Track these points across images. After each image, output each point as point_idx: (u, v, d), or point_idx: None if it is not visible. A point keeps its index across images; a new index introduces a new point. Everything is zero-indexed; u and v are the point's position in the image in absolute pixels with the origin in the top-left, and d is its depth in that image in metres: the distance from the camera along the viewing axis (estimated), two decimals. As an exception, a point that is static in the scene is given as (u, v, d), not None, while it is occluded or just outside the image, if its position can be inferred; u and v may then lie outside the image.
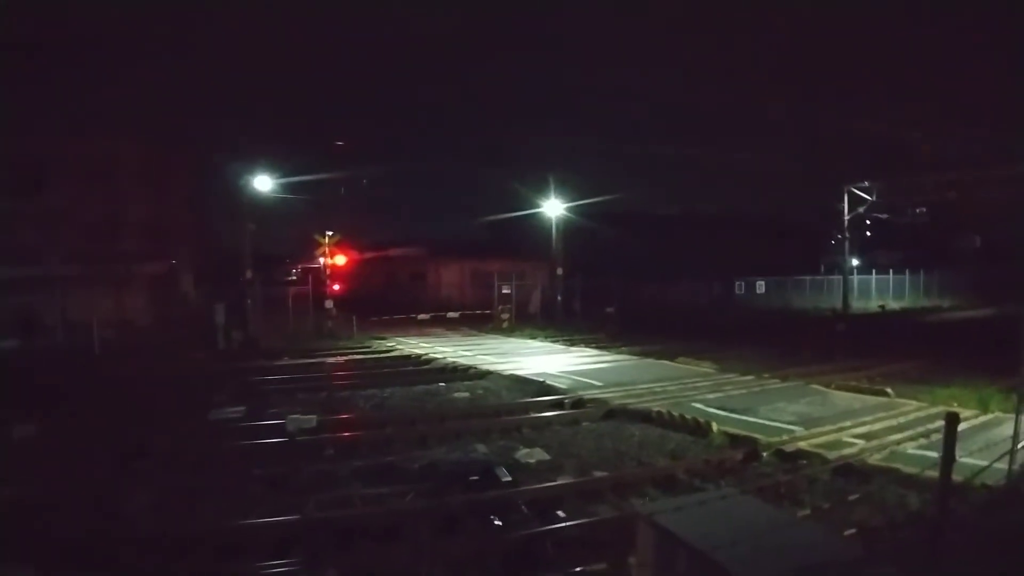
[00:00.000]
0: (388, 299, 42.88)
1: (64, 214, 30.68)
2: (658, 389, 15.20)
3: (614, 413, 13.25)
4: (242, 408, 14.34)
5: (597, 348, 23.64)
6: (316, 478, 9.60)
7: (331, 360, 21.82)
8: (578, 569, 6.68)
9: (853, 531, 7.12)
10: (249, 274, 27.45)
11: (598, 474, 9.69)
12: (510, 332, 29.92)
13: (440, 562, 6.82)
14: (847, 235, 32.99)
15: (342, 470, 9.97)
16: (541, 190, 35.48)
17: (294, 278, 50.91)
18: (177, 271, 35.85)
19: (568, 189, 35.52)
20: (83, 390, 16.35)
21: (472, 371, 18.95)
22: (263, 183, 28.10)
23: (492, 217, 50.37)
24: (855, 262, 46.44)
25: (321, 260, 31.28)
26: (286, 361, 21.81)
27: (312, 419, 12.48)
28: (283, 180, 29.31)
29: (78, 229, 31.37)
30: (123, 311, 31.05)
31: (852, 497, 8.31)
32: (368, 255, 50.77)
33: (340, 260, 31.20)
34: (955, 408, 11.84)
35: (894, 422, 11.72)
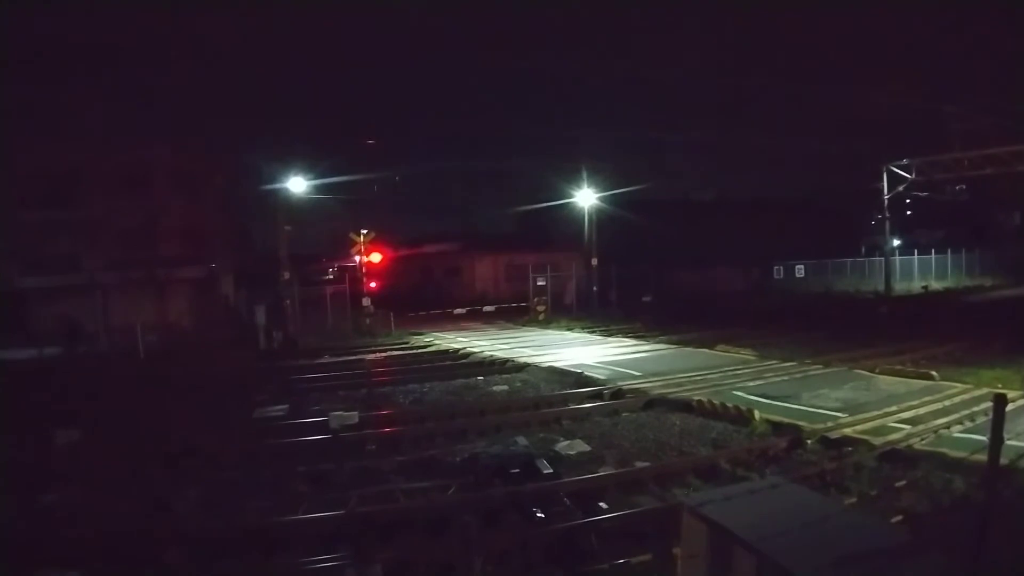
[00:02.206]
0: (424, 294, 43.17)
1: (102, 222, 31.33)
2: (698, 378, 15.11)
3: (654, 403, 13.21)
4: (285, 406, 14.58)
5: (635, 338, 23.55)
6: (359, 473, 9.74)
7: (370, 357, 22.04)
8: (622, 560, 6.69)
9: (900, 518, 7.04)
10: (287, 275, 27.79)
11: (640, 465, 9.68)
12: (546, 324, 29.95)
13: (485, 554, 6.87)
14: (888, 215, 32.43)
15: (384, 465, 10.10)
16: (573, 180, 35.38)
17: (331, 277, 51.40)
18: (217, 274, 36.43)
19: (601, 178, 35.36)
20: (129, 393, 16.72)
21: (510, 364, 19.01)
22: (297, 184, 28.38)
23: (524, 208, 50.29)
24: (896, 242, 45.59)
25: (357, 258, 31.52)
26: (326, 359, 22.09)
27: (354, 415, 12.63)
28: (316, 181, 29.61)
29: (116, 236, 32.06)
30: (165, 315, 31.71)
31: (899, 483, 8.22)
32: (403, 252, 51.05)
33: (376, 257, 31.37)
34: (1000, 390, 11.68)
35: (939, 406, 11.53)
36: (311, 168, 29.18)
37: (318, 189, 30.19)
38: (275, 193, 28.32)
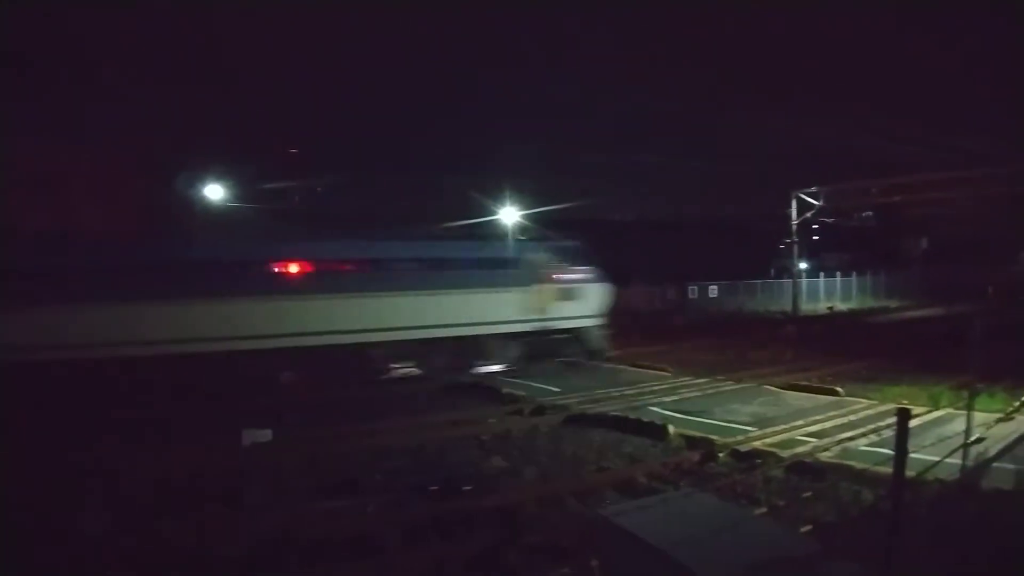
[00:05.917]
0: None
1: (9, 225, 29.73)
2: (615, 394, 15.28)
3: (573, 418, 13.27)
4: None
5: (554, 354, 23.58)
6: (274, 493, 9.42)
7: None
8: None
9: (809, 527, 7.23)
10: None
11: (558, 479, 9.69)
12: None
13: (403, 574, 6.75)
14: (796, 239, 33.65)
15: (301, 484, 9.80)
16: (497, 197, 35.41)
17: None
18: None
19: (524, 196, 35.53)
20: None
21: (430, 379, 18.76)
22: (214, 191, 27.63)
23: (448, 224, 50.03)
24: (804, 265, 47.30)
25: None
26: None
27: (268, 432, 12.22)
28: (235, 189, 28.87)
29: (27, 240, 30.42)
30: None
31: (806, 494, 8.46)
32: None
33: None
34: (904, 405, 12.18)
35: (845, 420, 11.97)
36: (231, 175, 28.50)
37: (237, 198, 29.45)
38: (193, 200, 27.50)
